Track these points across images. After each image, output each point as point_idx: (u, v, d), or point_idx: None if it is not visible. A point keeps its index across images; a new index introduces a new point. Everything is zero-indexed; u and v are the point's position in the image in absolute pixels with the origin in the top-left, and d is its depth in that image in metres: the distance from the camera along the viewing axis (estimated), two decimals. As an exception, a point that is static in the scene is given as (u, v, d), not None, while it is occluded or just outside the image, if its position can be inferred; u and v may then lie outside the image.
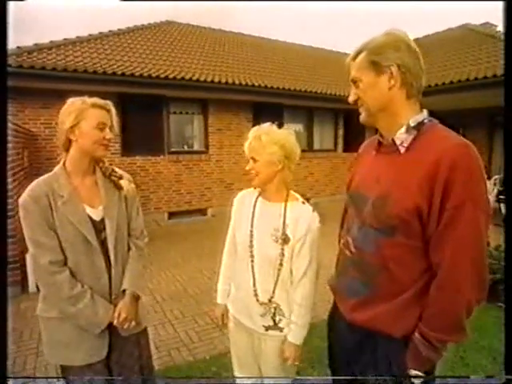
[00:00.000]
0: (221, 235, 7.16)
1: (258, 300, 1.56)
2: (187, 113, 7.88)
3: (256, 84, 7.76)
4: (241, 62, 9.23)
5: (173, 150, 7.60)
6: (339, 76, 10.65)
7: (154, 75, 6.56)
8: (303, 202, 1.59)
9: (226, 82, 7.39)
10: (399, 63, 1.06)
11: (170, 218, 7.57)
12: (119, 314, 1.48)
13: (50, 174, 1.48)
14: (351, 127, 9.94)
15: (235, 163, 8.36)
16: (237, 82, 7.56)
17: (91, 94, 1.52)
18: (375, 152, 1.23)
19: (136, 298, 1.58)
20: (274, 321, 1.56)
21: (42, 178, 1.46)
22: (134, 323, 1.53)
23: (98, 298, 1.46)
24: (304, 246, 1.50)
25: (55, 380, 2.25)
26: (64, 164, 1.49)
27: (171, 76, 6.78)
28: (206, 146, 8.01)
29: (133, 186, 1.71)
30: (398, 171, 1.08)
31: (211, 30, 11.18)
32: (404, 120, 1.10)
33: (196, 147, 8.10)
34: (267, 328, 1.56)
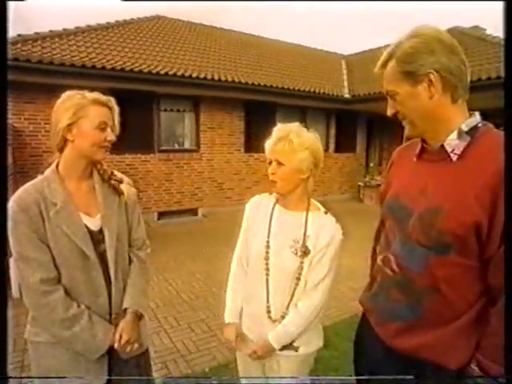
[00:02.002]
0: (213, 236, 7.00)
1: (270, 317, 1.42)
2: (178, 110, 7.68)
3: (249, 82, 7.62)
4: (233, 59, 9.06)
5: (163, 148, 7.40)
6: (332, 75, 10.61)
7: (145, 71, 6.34)
8: (325, 212, 1.46)
9: (219, 80, 7.21)
10: (437, 68, 0.93)
11: (159, 218, 7.36)
12: (121, 336, 1.31)
13: (41, 178, 1.29)
14: (343, 127, 9.90)
15: (227, 162, 8.22)
16: (229, 79, 7.39)
17: (79, 89, 1.33)
18: (416, 159, 1.10)
19: (139, 317, 1.42)
20: None
21: (31, 183, 1.27)
22: (136, 345, 1.37)
23: (96, 318, 1.29)
24: (323, 259, 1.38)
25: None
26: (57, 167, 1.31)
27: (162, 72, 6.56)
28: (198, 145, 7.83)
29: (134, 190, 1.54)
30: (451, 182, 0.96)
31: (202, 25, 10.96)
32: (453, 125, 0.98)
33: (187, 145, 7.90)
34: (282, 348, 1.42)
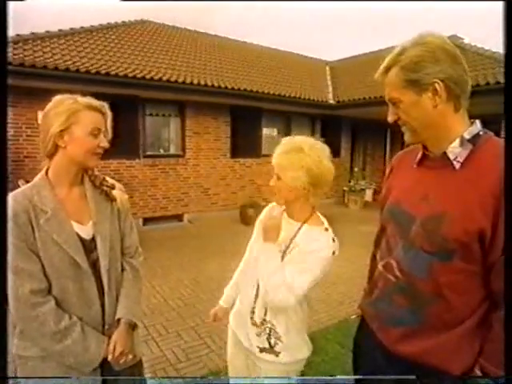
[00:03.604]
0: (199, 242, 6.92)
1: (252, 318, 1.46)
2: (163, 115, 7.61)
3: (235, 87, 7.62)
4: (219, 64, 9.05)
5: (148, 153, 7.31)
6: (316, 81, 10.74)
7: (130, 75, 6.27)
8: (326, 229, 1.39)
9: (205, 84, 7.19)
10: (442, 77, 0.94)
11: (144, 223, 7.26)
12: (114, 348, 1.27)
13: (29, 185, 1.25)
14: (327, 132, 10.01)
15: (213, 168, 8.18)
16: (216, 84, 7.38)
17: (63, 93, 1.30)
18: (417, 165, 1.12)
19: (132, 327, 1.38)
20: (270, 343, 1.43)
21: (19, 190, 1.22)
22: (130, 356, 1.33)
23: (89, 330, 1.25)
24: (304, 257, 1.31)
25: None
26: (46, 173, 1.27)
27: (148, 76, 6.50)
28: (183, 150, 7.77)
29: (126, 196, 1.52)
30: (454, 189, 0.97)
31: (187, 30, 10.93)
32: (455, 133, 0.99)
33: (172, 151, 7.83)
34: (262, 350, 1.44)
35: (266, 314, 1.42)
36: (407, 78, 0.97)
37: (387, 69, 1.02)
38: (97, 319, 1.29)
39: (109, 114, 1.33)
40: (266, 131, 8.82)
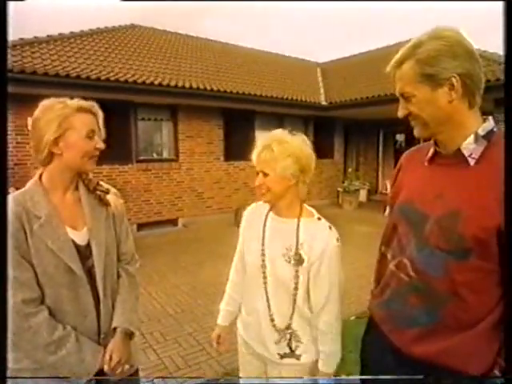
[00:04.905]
0: (194, 246, 6.86)
1: (274, 326, 1.39)
2: (156, 119, 7.57)
3: (227, 90, 7.61)
4: (210, 67, 9.03)
5: (141, 158, 7.26)
6: (308, 83, 10.76)
7: (121, 79, 6.21)
8: (319, 218, 1.42)
9: (197, 88, 7.17)
10: (460, 72, 0.92)
11: (139, 229, 7.18)
12: (111, 358, 1.22)
13: (21, 190, 1.20)
14: (321, 134, 10.03)
15: (206, 171, 8.15)
16: (208, 87, 7.36)
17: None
18: (428, 163, 1.09)
19: (129, 336, 1.34)
20: (291, 348, 1.39)
21: (12, 195, 1.18)
22: (127, 366, 1.29)
23: (84, 340, 1.20)
24: (321, 268, 1.33)
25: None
26: (40, 178, 1.22)
27: (139, 81, 6.46)
28: (176, 154, 7.72)
29: (121, 201, 1.47)
30: (469, 186, 0.95)
31: (178, 34, 10.90)
32: (468, 130, 0.97)
33: (165, 155, 7.79)
34: (282, 356, 1.39)
35: (291, 318, 1.38)
36: (423, 71, 0.95)
37: (401, 62, 0.99)
38: (92, 328, 1.24)
39: (100, 113, 1.29)
40: (258, 133, 8.82)
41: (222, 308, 1.63)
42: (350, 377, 1.22)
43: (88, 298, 1.23)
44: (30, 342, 1.13)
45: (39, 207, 1.17)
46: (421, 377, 1.02)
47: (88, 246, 1.25)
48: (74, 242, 1.22)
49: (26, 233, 1.13)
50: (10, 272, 1.10)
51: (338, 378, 1.44)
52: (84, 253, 1.24)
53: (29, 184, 1.22)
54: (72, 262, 1.18)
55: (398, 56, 1.00)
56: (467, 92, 0.95)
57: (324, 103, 9.56)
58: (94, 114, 1.26)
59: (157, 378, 2.54)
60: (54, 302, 1.18)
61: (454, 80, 0.92)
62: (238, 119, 8.35)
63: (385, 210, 8.63)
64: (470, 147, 0.97)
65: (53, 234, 1.17)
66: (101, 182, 1.37)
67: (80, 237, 1.24)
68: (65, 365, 1.16)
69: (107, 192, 1.37)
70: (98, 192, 1.33)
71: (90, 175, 1.35)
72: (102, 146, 1.26)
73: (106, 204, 1.35)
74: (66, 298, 1.19)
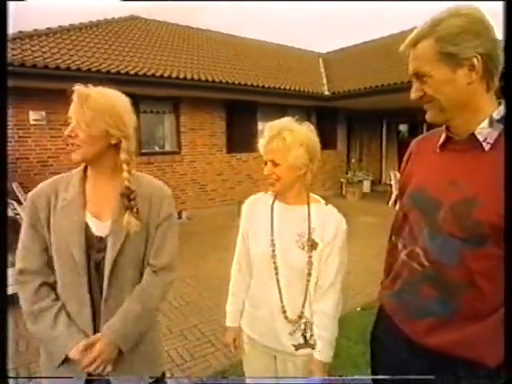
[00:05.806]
0: (198, 239, 6.84)
1: (286, 317, 1.37)
2: (158, 112, 7.53)
3: (229, 81, 7.54)
4: (212, 59, 8.95)
5: (144, 151, 7.23)
6: (310, 73, 10.66)
7: (122, 72, 6.16)
8: (326, 204, 1.43)
9: (199, 79, 7.10)
10: (481, 52, 0.87)
11: (142, 222, 7.18)
12: (88, 351, 1.14)
13: (64, 174, 1.28)
14: (323, 124, 9.95)
15: (209, 163, 8.12)
16: (210, 79, 7.29)
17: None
18: (440, 149, 1.05)
19: (116, 347, 1.19)
20: (305, 337, 1.37)
21: (51, 178, 1.27)
22: (109, 368, 1.18)
23: (63, 320, 1.16)
24: (333, 252, 1.35)
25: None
26: (85, 168, 1.27)
27: (141, 73, 6.40)
28: (179, 147, 7.70)
29: (170, 210, 1.37)
30: (484, 171, 0.92)
31: (178, 26, 10.78)
32: (483, 114, 0.93)
33: (168, 148, 7.77)
34: (297, 347, 1.37)
35: (303, 306, 1.37)
36: (443, 50, 0.90)
37: (417, 41, 0.94)
38: (87, 321, 1.19)
39: (75, 98, 1.20)
40: (261, 125, 8.76)
41: (230, 309, 1.56)
42: (364, 376, 1.20)
43: (83, 290, 1.18)
44: (23, 309, 1.20)
45: (69, 189, 1.22)
46: (432, 377, 1.00)
47: (105, 238, 1.20)
48: (89, 230, 1.19)
49: (49, 211, 1.20)
50: (23, 241, 1.21)
51: (349, 378, 1.41)
52: (97, 244, 1.19)
53: (74, 170, 1.28)
54: (74, 247, 1.16)
55: (413, 34, 0.95)
56: (487, 74, 0.91)
57: (327, 93, 9.47)
58: (72, 100, 1.17)
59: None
60: (60, 281, 1.21)
61: (475, 60, 0.88)
62: (240, 111, 8.29)
63: (389, 200, 8.60)
64: (484, 132, 0.93)
65: (69, 216, 1.19)
66: (132, 187, 1.23)
67: (101, 227, 1.20)
68: (42, 338, 1.20)
69: (133, 199, 1.22)
70: (125, 194, 1.22)
71: (128, 173, 1.23)
72: (66, 132, 1.17)
73: (131, 209, 1.21)
74: (67, 282, 1.20)
